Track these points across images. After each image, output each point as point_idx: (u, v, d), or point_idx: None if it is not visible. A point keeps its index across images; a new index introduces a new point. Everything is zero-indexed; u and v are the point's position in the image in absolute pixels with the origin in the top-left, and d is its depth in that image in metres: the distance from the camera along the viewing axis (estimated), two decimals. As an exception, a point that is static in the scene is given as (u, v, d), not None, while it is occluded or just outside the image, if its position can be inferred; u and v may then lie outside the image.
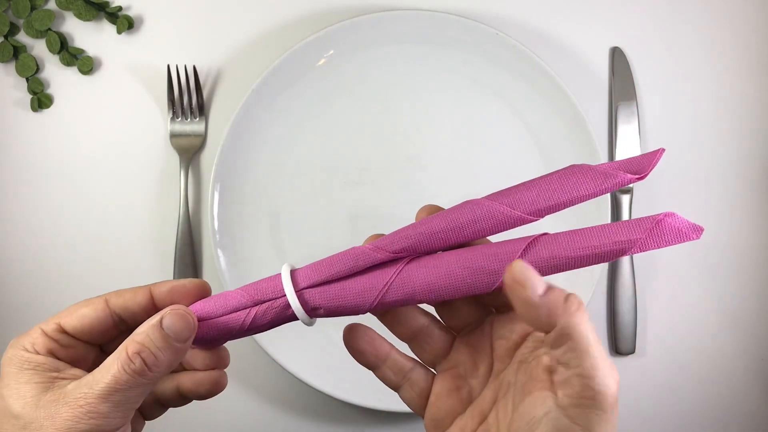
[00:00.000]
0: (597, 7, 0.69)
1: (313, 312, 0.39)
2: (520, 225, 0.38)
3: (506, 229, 0.38)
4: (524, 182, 0.39)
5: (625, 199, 0.67)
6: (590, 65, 0.68)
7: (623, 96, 0.68)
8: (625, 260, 0.66)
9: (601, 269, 0.64)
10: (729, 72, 0.69)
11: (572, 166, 0.38)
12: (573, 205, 0.37)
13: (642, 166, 0.37)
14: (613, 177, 0.36)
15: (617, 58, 0.68)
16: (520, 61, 0.65)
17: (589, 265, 0.36)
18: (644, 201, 0.68)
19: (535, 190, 0.38)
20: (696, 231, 0.35)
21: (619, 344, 0.66)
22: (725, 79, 0.69)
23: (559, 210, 0.38)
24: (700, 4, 0.69)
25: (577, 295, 0.33)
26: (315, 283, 0.39)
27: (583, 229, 0.37)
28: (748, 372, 0.68)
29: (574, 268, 0.36)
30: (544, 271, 0.36)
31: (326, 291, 0.39)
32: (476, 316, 0.41)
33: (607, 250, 0.36)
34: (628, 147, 0.67)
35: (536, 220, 0.38)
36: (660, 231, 0.35)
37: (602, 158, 0.64)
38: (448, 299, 0.38)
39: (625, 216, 0.66)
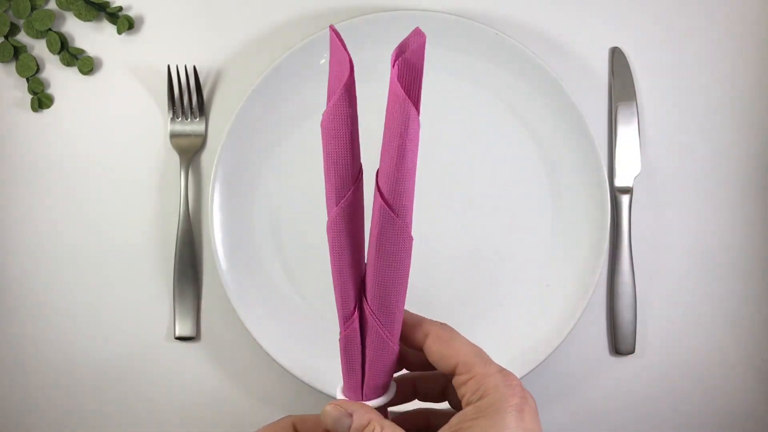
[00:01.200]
0: (597, 7, 0.69)
1: (384, 389, 0.42)
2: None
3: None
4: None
5: (624, 199, 0.67)
6: (590, 65, 0.68)
7: (623, 96, 0.68)
8: (625, 260, 0.66)
9: (602, 269, 0.64)
10: (729, 72, 0.69)
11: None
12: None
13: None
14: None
15: (617, 58, 0.68)
16: (520, 61, 0.65)
17: (415, 146, 0.37)
18: (644, 200, 0.68)
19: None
20: (416, 34, 0.36)
21: (619, 344, 0.66)
22: (726, 79, 0.69)
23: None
24: (700, 4, 0.69)
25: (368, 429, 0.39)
26: (356, 384, 0.42)
27: (384, 136, 0.38)
28: (748, 372, 0.68)
29: (412, 163, 0.37)
30: (406, 185, 0.37)
31: (371, 378, 0.41)
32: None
33: (405, 125, 0.36)
34: (628, 147, 0.67)
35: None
36: (407, 69, 0.35)
37: (602, 158, 0.64)
38: (405, 280, 0.40)
39: (624, 218, 0.66)
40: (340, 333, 0.41)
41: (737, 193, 0.68)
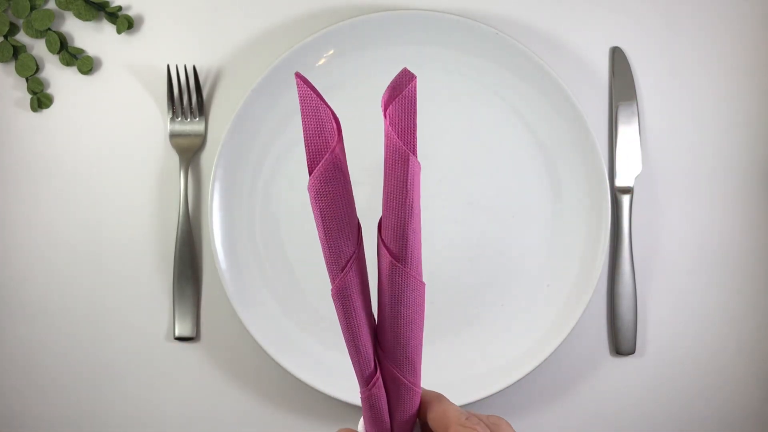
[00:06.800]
0: (597, 7, 0.69)
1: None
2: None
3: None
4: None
5: (625, 199, 0.67)
6: (590, 65, 0.68)
7: (623, 96, 0.68)
8: (625, 260, 0.66)
9: (602, 269, 0.64)
10: (729, 71, 0.69)
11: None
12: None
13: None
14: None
15: (617, 58, 0.68)
16: (520, 61, 0.65)
17: (418, 194, 0.35)
18: (644, 201, 0.68)
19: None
20: (405, 75, 0.34)
21: (619, 344, 0.66)
22: (726, 79, 0.69)
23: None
24: (700, 4, 0.69)
25: None
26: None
27: (385, 186, 0.36)
28: (748, 372, 0.68)
29: (418, 213, 0.36)
30: (413, 236, 0.36)
31: (400, 427, 0.40)
32: None
33: (407, 179, 0.35)
34: (628, 147, 0.67)
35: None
36: (400, 115, 0.34)
37: (602, 158, 0.64)
38: (422, 325, 0.39)
39: (625, 218, 0.66)
40: (362, 392, 0.39)
41: (738, 193, 0.68)
